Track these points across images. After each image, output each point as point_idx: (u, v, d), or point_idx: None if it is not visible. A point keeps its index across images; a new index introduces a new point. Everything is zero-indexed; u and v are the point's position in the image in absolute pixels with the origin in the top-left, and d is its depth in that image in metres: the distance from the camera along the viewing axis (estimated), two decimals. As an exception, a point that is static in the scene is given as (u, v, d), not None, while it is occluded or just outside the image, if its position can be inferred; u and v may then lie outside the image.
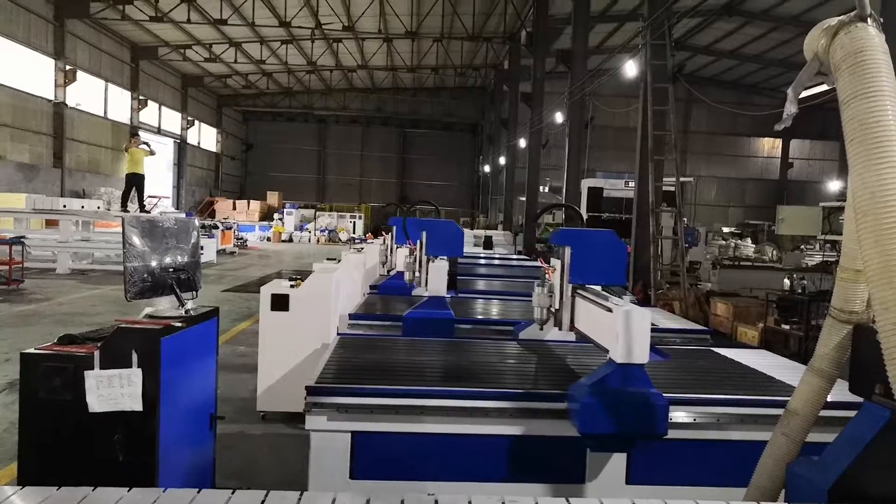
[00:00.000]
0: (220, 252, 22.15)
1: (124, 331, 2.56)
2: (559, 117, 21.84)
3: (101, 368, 2.51)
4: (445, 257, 5.57)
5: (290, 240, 33.92)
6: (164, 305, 2.94)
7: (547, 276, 3.84)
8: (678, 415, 3.32)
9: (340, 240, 34.28)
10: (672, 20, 11.53)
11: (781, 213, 6.31)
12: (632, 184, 19.18)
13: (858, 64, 1.74)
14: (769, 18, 24.97)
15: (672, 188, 11.76)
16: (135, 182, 15.87)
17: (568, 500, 2.15)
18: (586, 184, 19.18)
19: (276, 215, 35.66)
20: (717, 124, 35.08)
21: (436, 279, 5.25)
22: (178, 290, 2.80)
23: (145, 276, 2.68)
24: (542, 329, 4.15)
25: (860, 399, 2.89)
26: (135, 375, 2.52)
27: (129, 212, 15.86)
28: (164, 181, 32.15)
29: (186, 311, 2.80)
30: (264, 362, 5.09)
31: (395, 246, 7.86)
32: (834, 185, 34.25)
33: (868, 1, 1.75)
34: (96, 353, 2.52)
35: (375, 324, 5.36)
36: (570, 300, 3.71)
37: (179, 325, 2.67)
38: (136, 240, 2.66)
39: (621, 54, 14.18)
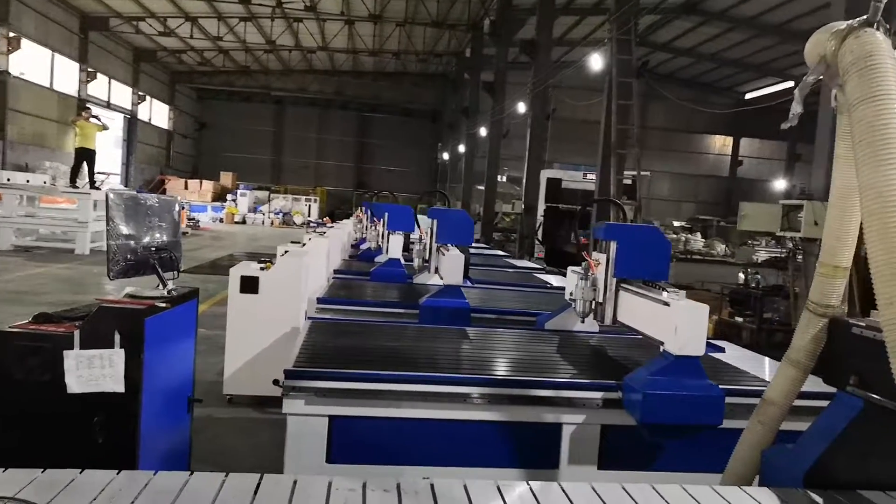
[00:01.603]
0: (173, 232, 21.55)
1: (107, 310, 2.48)
2: (521, 107, 21.95)
3: (81, 348, 2.43)
4: (457, 246, 5.60)
5: (244, 221, 33.29)
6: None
7: (590, 269, 3.88)
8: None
9: (295, 223, 33.82)
10: (638, 16, 11.69)
11: (744, 210, 6.52)
12: (590, 176, 19.47)
13: (868, 68, 1.81)
14: (726, 19, 25.54)
15: (629, 181, 11.98)
16: (85, 157, 15.34)
17: (560, 485, 2.20)
18: (545, 174, 19.34)
19: (229, 196, 34.91)
20: (673, 121, 35.77)
21: (452, 268, 5.25)
22: (160, 270, 2.73)
23: (128, 255, 2.60)
24: (583, 322, 4.21)
25: (826, 389, 3.01)
26: (117, 356, 2.44)
27: (77, 188, 15.32)
28: (113, 157, 31.07)
29: (169, 292, 2.73)
30: (232, 345, 5.01)
31: (386, 232, 7.87)
32: (780, 184, 35.39)
33: (881, 7, 1.81)
34: (76, 333, 2.43)
35: (346, 308, 5.33)
36: (613, 294, 3.77)
37: (164, 305, 2.60)
38: (120, 218, 2.57)
39: (583, 47, 14.35)
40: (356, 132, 43.29)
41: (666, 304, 3.21)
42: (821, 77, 1.99)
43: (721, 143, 38.17)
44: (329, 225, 15.26)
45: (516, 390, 3.41)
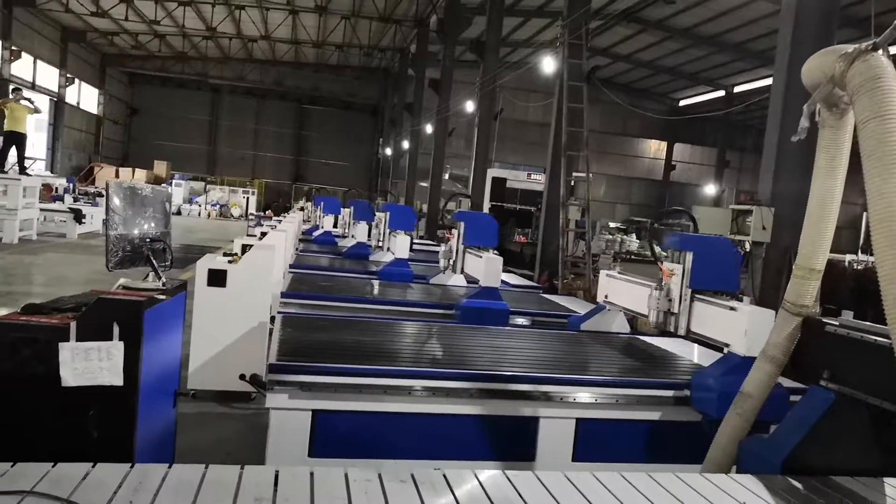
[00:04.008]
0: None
1: (105, 302, 2.42)
2: (465, 106, 22.09)
3: (77, 340, 2.37)
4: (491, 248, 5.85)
5: (179, 213, 32.26)
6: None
7: (664, 280, 3.94)
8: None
9: (233, 215, 33.06)
10: (590, 21, 11.99)
11: (698, 213, 6.82)
12: (534, 176, 19.86)
13: (876, 88, 1.99)
14: (663, 28, 26.41)
15: (573, 182, 12.28)
16: (14, 141, 14.60)
17: (565, 474, 2.29)
18: (490, 174, 19.58)
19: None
20: (609, 124, 36.59)
21: (490, 271, 5.49)
22: (154, 262, 2.68)
23: (126, 245, 2.55)
24: (657, 331, 4.32)
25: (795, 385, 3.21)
26: (115, 349, 2.39)
27: (6, 172, 14.54)
28: (37, 142, 29.51)
29: (164, 284, 2.68)
30: (197, 339, 4.89)
31: (387, 231, 8.01)
32: (710, 189, 36.85)
33: (889, 33, 1.98)
34: (73, 325, 2.37)
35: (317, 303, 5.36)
36: (688, 304, 3.85)
37: (162, 297, 2.56)
38: (119, 208, 2.51)
39: (527, 48, 14.57)
40: (295, 124, 42.56)
41: (733, 308, 3.40)
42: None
43: (656, 148, 39.41)
44: (275, 218, 15.02)
45: (499, 385, 3.51)
